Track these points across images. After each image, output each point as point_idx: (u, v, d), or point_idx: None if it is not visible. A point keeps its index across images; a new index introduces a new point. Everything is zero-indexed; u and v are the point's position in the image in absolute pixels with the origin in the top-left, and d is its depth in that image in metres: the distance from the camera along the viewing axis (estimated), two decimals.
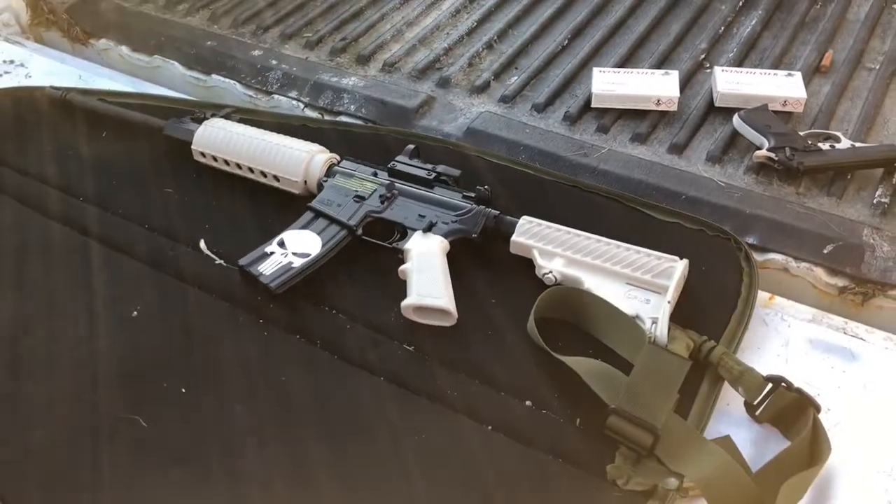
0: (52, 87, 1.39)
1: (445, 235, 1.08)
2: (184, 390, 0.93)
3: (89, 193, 1.22)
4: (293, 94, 1.47)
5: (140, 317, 1.03)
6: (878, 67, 1.44)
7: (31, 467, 0.87)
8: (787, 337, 1.02)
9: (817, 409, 0.88)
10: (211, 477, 0.85)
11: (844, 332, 1.02)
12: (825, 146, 1.22)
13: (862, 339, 1.01)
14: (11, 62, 1.58)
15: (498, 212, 1.10)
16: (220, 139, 1.23)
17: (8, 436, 0.90)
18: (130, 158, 1.29)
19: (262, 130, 1.23)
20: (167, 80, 1.58)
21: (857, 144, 1.23)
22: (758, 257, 1.13)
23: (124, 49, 1.63)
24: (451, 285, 1.03)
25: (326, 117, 1.41)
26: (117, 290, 1.07)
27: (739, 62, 1.47)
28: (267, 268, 1.05)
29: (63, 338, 1.00)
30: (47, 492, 0.85)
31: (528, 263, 1.06)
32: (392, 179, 1.16)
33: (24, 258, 1.12)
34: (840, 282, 1.09)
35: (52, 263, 1.11)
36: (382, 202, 1.13)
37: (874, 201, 1.17)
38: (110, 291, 1.06)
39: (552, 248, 1.05)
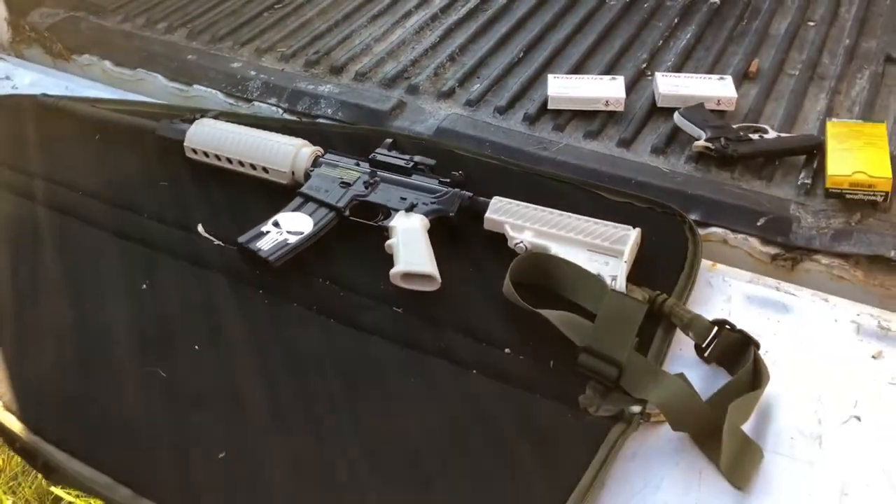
0: (44, 95, 1.48)
1: (426, 214, 1.20)
2: (196, 347, 1.03)
3: (90, 188, 1.31)
4: (272, 100, 1.58)
5: (148, 289, 1.12)
6: (797, 73, 1.62)
7: (73, 413, 0.95)
8: (730, 294, 1.16)
9: (757, 345, 1.01)
10: (227, 417, 0.94)
11: (777, 290, 1.16)
12: (755, 136, 1.39)
13: (793, 294, 1.16)
14: None
15: (472, 193, 1.23)
16: (211, 136, 1.33)
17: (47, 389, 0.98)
18: (125, 157, 1.39)
19: (250, 128, 1.34)
20: (151, 91, 1.67)
21: (783, 135, 1.40)
22: (700, 231, 1.27)
23: (107, 64, 1.72)
24: (433, 256, 1.15)
25: (304, 120, 1.53)
26: (127, 269, 1.16)
27: (677, 69, 1.64)
28: (265, 244, 1.15)
29: (81, 310, 1.09)
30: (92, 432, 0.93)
31: (501, 238, 1.19)
32: (374, 168, 1.28)
33: (33, 247, 1.20)
34: (772, 250, 1.24)
35: (59, 250, 1.19)
36: (366, 187, 1.25)
37: (798, 182, 1.33)
38: (122, 269, 1.15)
39: (521, 223, 1.18)
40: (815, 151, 1.37)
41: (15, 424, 0.90)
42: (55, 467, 0.87)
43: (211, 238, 1.21)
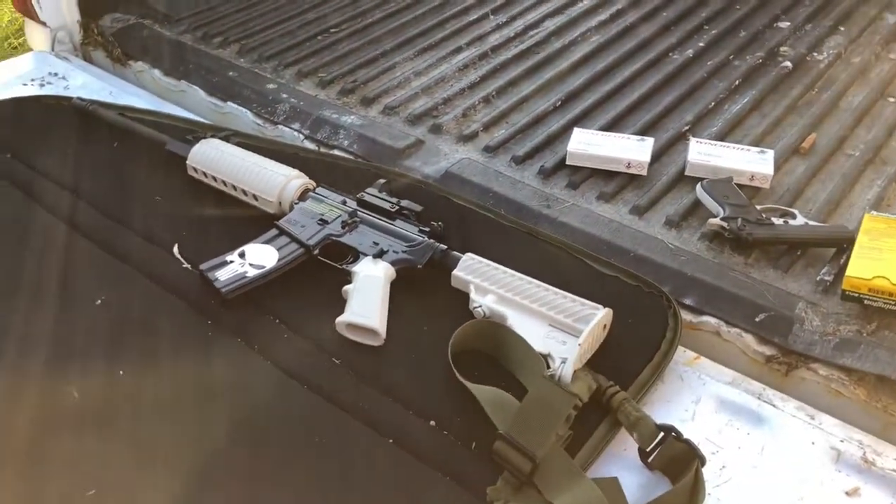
0: (78, 98, 1.53)
1: (393, 263, 1.16)
2: (121, 373, 1.02)
3: (87, 193, 1.34)
4: (296, 125, 1.58)
5: (102, 305, 1.13)
6: (856, 153, 1.47)
7: None
8: (700, 395, 1.05)
9: (702, 460, 0.91)
10: (119, 443, 0.93)
11: (759, 398, 1.05)
12: (779, 221, 1.26)
13: (774, 405, 1.03)
14: (55, 74, 1.74)
15: (445, 247, 1.17)
16: (210, 157, 1.34)
17: None
18: (133, 168, 1.41)
19: (249, 153, 1.34)
20: (190, 104, 1.71)
21: (811, 223, 1.27)
22: (692, 319, 1.17)
23: (156, 72, 1.77)
24: (386, 309, 1.10)
25: (322, 149, 1.51)
26: (89, 280, 1.17)
27: (721, 137, 1.52)
28: (223, 274, 1.14)
29: (29, 315, 1.10)
30: None
31: (466, 297, 1.13)
32: (357, 208, 1.25)
33: (16, 242, 1.23)
34: (768, 350, 1.12)
35: (37, 249, 1.22)
36: (343, 227, 1.22)
37: (818, 278, 1.20)
38: (82, 281, 1.17)
39: (487, 285, 1.11)
40: (845, 246, 1.23)
41: None
42: None
43: (181, 260, 1.21)
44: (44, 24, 1.84)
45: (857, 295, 1.12)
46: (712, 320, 1.16)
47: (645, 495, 0.93)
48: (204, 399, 1.00)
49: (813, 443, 0.98)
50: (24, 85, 1.70)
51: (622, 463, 0.97)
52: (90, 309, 1.12)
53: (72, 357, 1.04)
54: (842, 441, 0.98)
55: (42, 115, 1.53)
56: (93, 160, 1.43)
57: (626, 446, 0.98)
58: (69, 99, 1.54)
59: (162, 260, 1.21)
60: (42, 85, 1.71)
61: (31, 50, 1.92)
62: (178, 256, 1.22)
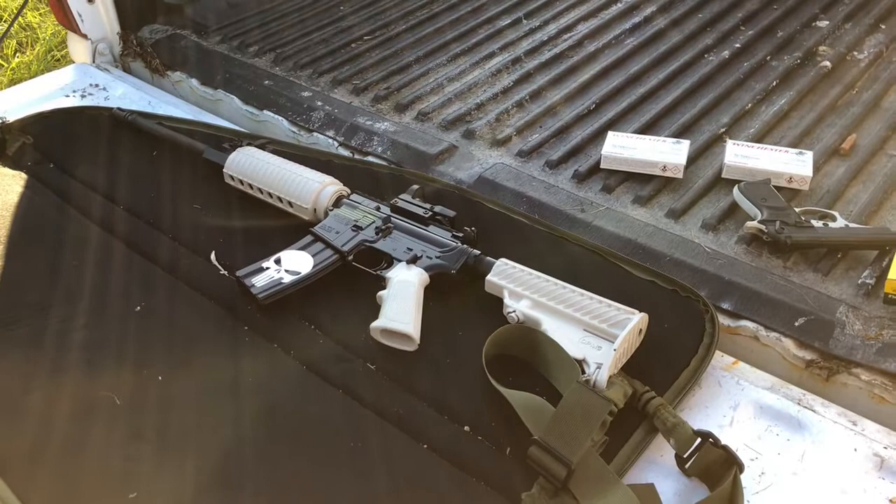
0: (118, 109, 1.56)
1: (426, 269, 1.16)
2: (160, 378, 1.03)
3: (126, 201, 1.37)
4: (331, 132, 1.59)
5: (142, 312, 1.15)
6: None
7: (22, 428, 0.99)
8: (738, 401, 1.03)
9: (740, 466, 0.90)
10: (164, 452, 0.94)
11: (798, 403, 1.03)
12: (818, 224, 1.24)
13: (814, 411, 1.02)
14: (96, 86, 1.78)
15: (479, 252, 1.17)
16: (246, 165, 1.35)
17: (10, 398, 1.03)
18: (172, 176, 1.43)
19: (285, 160, 1.35)
20: (227, 112, 1.74)
21: (852, 225, 1.24)
22: (731, 323, 1.15)
23: (194, 82, 1.80)
24: (420, 314, 1.10)
25: (356, 156, 1.52)
26: (129, 287, 1.19)
27: (759, 139, 1.50)
28: (259, 280, 1.15)
29: (72, 322, 1.13)
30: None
31: (500, 302, 1.12)
32: (391, 214, 1.25)
33: (58, 250, 1.26)
34: (808, 355, 1.10)
35: (80, 257, 1.25)
36: (377, 233, 1.23)
37: (859, 281, 1.17)
38: (123, 288, 1.19)
39: (521, 290, 1.11)
40: (887, 248, 1.20)
41: None
42: None
43: (219, 267, 1.23)
44: (85, 36, 1.88)
45: None
46: (751, 325, 1.14)
47: (682, 502, 0.92)
48: (241, 403, 1.01)
49: (855, 449, 0.96)
50: (66, 96, 1.74)
51: (658, 469, 0.96)
52: (130, 315, 1.14)
53: (112, 363, 1.06)
54: (885, 448, 0.96)
55: (83, 125, 1.56)
56: (132, 169, 1.45)
57: (662, 452, 0.97)
58: (110, 109, 1.57)
59: (200, 267, 1.23)
60: (83, 96, 1.74)
61: (72, 62, 1.96)
62: (216, 263, 1.23)
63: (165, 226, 1.32)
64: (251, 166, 1.35)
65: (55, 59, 3.55)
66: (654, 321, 1.07)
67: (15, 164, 1.46)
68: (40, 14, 3.64)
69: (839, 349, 1.08)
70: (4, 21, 3.54)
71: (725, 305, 1.16)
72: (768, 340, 1.13)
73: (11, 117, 1.53)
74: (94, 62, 1.91)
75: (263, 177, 1.33)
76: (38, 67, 3.37)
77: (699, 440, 0.92)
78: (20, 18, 3.44)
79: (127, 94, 1.74)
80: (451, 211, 1.24)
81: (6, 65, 3.31)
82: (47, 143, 1.51)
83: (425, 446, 0.96)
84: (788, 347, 1.11)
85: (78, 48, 1.92)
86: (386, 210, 1.27)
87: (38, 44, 3.52)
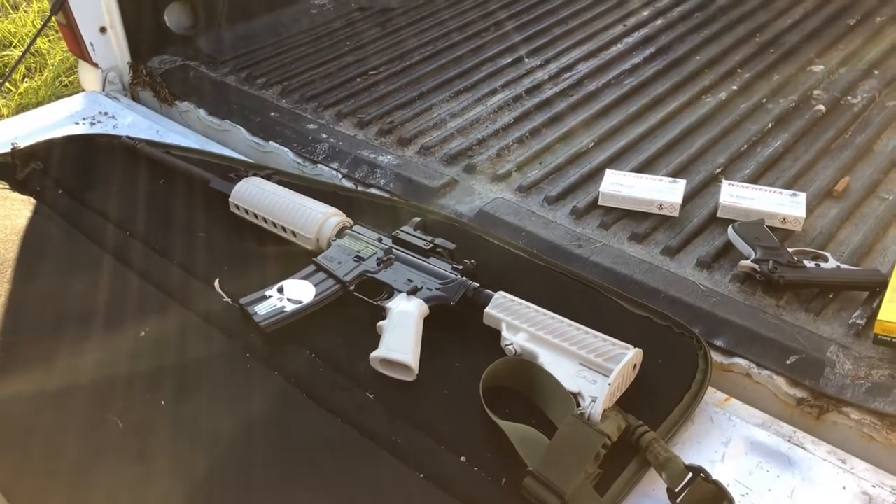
0: (127, 137, 1.59)
1: (426, 300, 1.18)
2: (162, 403, 1.05)
3: (136, 229, 1.40)
4: (335, 164, 1.62)
5: (146, 337, 1.17)
6: (890, 198, 1.47)
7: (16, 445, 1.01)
8: (730, 436, 1.05)
9: (731, 502, 0.91)
10: (166, 475, 0.96)
11: (789, 441, 1.05)
12: (811, 264, 1.27)
13: (804, 448, 1.03)
14: (105, 114, 1.82)
15: (478, 285, 1.20)
16: (252, 195, 1.38)
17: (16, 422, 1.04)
18: (178, 204, 1.46)
19: (289, 191, 1.38)
20: (233, 143, 1.77)
21: (844, 266, 1.27)
22: (723, 360, 1.17)
23: (202, 112, 1.84)
24: (419, 345, 1.12)
25: (359, 188, 1.55)
26: (135, 312, 1.21)
27: (754, 179, 1.53)
28: (262, 308, 1.17)
29: (77, 347, 1.15)
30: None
31: (498, 335, 1.14)
32: (392, 246, 1.28)
33: (65, 275, 1.28)
34: (799, 393, 1.12)
35: (87, 282, 1.27)
36: (378, 264, 1.25)
37: (850, 321, 1.20)
38: (128, 313, 1.21)
39: (519, 324, 1.13)
40: (878, 289, 1.23)
41: None
42: None
43: (222, 294, 1.25)
44: (96, 65, 1.92)
45: (889, 339, 1.12)
46: (743, 362, 1.16)
47: None
48: (241, 430, 1.03)
49: (844, 487, 0.98)
50: (76, 124, 1.77)
51: (650, 503, 0.97)
52: (135, 340, 1.16)
53: (116, 387, 1.08)
54: (873, 486, 0.98)
55: (93, 152, 1.59)
56: (140, 197, 1.48)
57: (654, 486, 0.98)
58: (118, 137, 1.60)
59: (204, 294, 1.25)
60: (92, 124, 1.78)
61: (80, 88, 2.00)
62: (220, 290, 1.26)
63: (171, 252, 1.34)
64: (256, 196, 1.38)
65: (63, 84, 3.60)
66: (649, 357, 1.09)
67: (24, 189, 1.49)
68: (49, 40, 3.69)
69: (829, 388, 1.10)
70: (14, 47, 3.59)
71: (719, 342, 1.18)
72: (760, 378, 1.15)
73: (22, 143, 1.56)
74: (103, 90, 1.95)
75: (268, 207, 1.36)
76: (46, 93, 3.42)
77: (690, 475, 0.94)
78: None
79: (135, 122, 1.78)
80: (452, 244, 1.27)
81: (14, 90, 3.36)
82: (57, 169, 1.54)
83: (421, 475, 0.98)
84: (780, 385, 1.13)
85: (88, 76, 1.96)
86: (387, 241, 1.29)
87: (47, 69, 3.57)
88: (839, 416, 1.09)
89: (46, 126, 1.75)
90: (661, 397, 1.07)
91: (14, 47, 3.59)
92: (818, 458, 1.02)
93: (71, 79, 3.54)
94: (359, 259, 1.26)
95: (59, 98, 3.51)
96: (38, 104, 3.48)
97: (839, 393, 1.09)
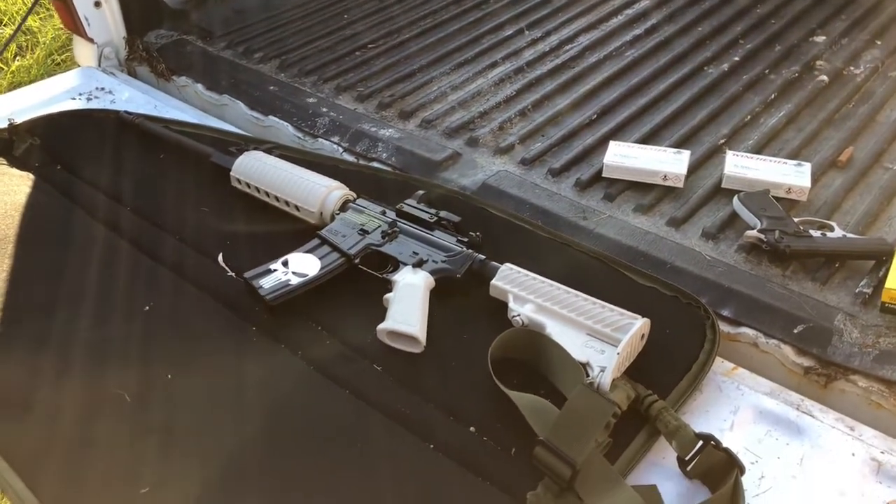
0: (125, 112, 1.57)
1: (432, 272, 1.18)
2: (169, 376, 1.05)
3: (135, 203, 1.38)
4: (335, 138, 1.61)
5: (151, 312, 1.16)
6: (894, 167, 1.47)
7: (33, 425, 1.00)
8: (738, 405, 1.05)
9: (741, 469, 0.91)
10: (174, 448, 0.95)
11: (797, 409, 1.05)
12: (817, 234, 1.26)
13: (813, 416, 1.03)
14: (102, 89, 1.80)
15: (484, 257, 1.19)
16: (253, 169, 1.37)
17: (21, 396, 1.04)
18: (178, 179, 1.45)
19: (292, 164, 1.37)
20: (232, 117, 1.75)
21: (850, 235, 1.27)
22: (730, 330, 1.17)
23: (200, 87, 1.82)
24: (426, 317, 1.12)
25: (360, 161, 1.54)
26: (138, 287, 1.20)
27: (758, 150, 1.52)
28: (267, 282, 1.17)
29: (81, 321, 1.14)
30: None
31: (505, 306, 1.14)
32: (397, 219, 1.27)
33: (66, 250, 1.27)
34: (806, 362, 1.12)
35: (87, 257, 1.26)
36: (383, 237, 1.24)
37: (857, 290, 1.19)
38: (131, 288, 1.20)
39: (526, 295, 1.12)
40: (884, 258, 1.23)
41: None
42: None
43: (226, 268, 1.24)
44: (91, 40, 1.90)
45: None
46: (750, 331, 1.16)
47: (683, 503, 0.93)
48: (249, 402, 1.03)
49: (853, 454, 0.98)
50: (73, 99, 1.75)
51: (660, 471, 0.97)
52: (139, 315, 1.15)
53: (122, 361, 1.08)
54: (882, 453, 0.98)
55: (91, 128, 1.57)
56: (139, 172, 1.47)
57: (664, 455, 0.98)
58: (117, 112, 1.59)
59: (207, 268, 1.25)
60: (89, 99, 1.76)
61: (74, 65, 1.97)
62: (223, 265, 1.25)
63: (172, 227, 1.33)
64: (259, 170, 1.37)
65: (55, 63, 3.56)
66: (656, 327, 1.09)
67: (22, 165, 1.48)
68: (40, 18, 3.65)
69: (837, 356, 1.10)
70: (4, 25, 3.55)
71: (725, 312, 1.18)
72: (767, 347, 1.15)
73: (18, 118, 1.54)
74: (99, 66, 1.92)
75: (271, 181, 1.35)
76: (38, 71, 3.38)
77: (701, 443, 0.94)
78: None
79: (133, 97, 1.76)
80: (457, 216, 1.26)
81: (6, 68, 3.32)
82: (54, 144, 1.52)
83: (431, 446, 0.97)
84: (787, 354, 1.13)
85: (84, 52, 1.94)
86: (391, 215, 1.28)
87: (38, 48, 3.53)
88: (847, 384, 1.09)
89: (42, 102, 1.73)
90: (668, 367, 1.07)
91: (5, 25, 3.55)
92: (827, 425, 1.02)
93: (63, 57, 3.51)
94: (363, 232, 1.25)
95: (51, 76, 3.49)
96: (31, 83, 3.46)
97: (847, 361, 1.09)
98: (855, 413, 1.06)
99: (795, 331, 1.14)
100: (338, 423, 1.01)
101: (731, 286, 1.21)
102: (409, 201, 1.30)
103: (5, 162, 1.47)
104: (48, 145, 1.52)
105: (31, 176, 1.44)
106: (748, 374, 1.10)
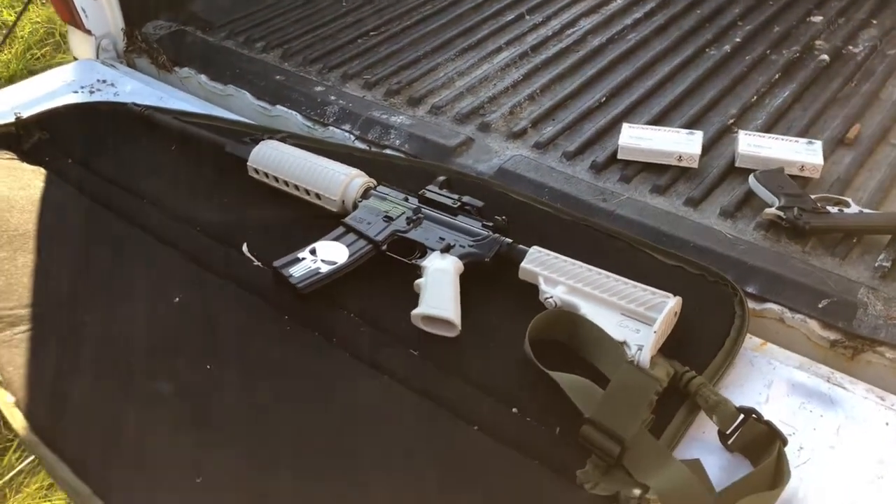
0: (133, 104, 1.56)
1: (461, 257, 1.18)
2: (209, 367, 1.04)
3: (154, 196, 1.37)
4: (346, 126, 1.60)
5: (181, 302, 1.16)
6: None
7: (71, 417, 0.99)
8: (771, 379, 1.07)
9: (783, 440, 0.93)
10: (223, 438, 0.95)
11: (828, 381, 1.07)
12: (834, 210, 1.28)
13: (844, 388, 1.06)
14: (104, 81, 1.77)
15: (511, 240, 1.19)
16: (271, 158, 1.36)
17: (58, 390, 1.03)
18: (194, 170, 1.44)
19: (309, 153, 1.36)
20: (238, 108, 1.74)
21: (866, 210, 1.29)
22: (756, 306, 1.19)
23: (203, 77, 1.80)
24: (459, 301, 1.12)
25: (373, 149, 1.54)
26: (164, 280, 1.20)
27: (767, 129, 1.54)
28: (297, 271, 1.16)
29: (113, 314, 1.13)
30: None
31: (535, 289, 1.15)
32: (420, 205, 1.27)
33: (87, 245, 1.26)
34: (832, 335, 1.14)
35: (110, 252, 1.25)
36: (408, 223, 1.24)
37: (876, 264, 1.22)
38: (157, 281, 1.19)
39: (556, 277, 1.13)
40: None
41: (19, 421, 0.95)
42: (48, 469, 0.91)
43: (252, 258, 1.24)
44: (89, 32, 1.87)
45: None
46: (776, 307, 1.18)
47: (726, 476, 0.95)
48: (289, 391, 1.03)
49: (887, 423, 1.00)
50: (75, 92, 1.73)
51: (702, 445, 0.99)
52: (170, 307, 1.14)
53: (160, 353, 1.07)
54: None
55: (99, 120, 1.56)
56: (153, 164, 1.46)
57: (704, 430, 1.00)
58: (124, 104, 1.57)
59: (232, 258, 1.24)
60: (92, 92, 1.73)
61: (53, 60, 1.94)
62: (249, 254, 1.24)
63: (192, 218, 1.32)
64: (277, 159, 1.36)
65: (34, 57, 3.50)
66: (685, 305, 1.10)
67: (32, 160, 1.45)
68: (16, 11, 3.58)
69: (863, 329, 1.12)
70: None
71: (750, 289, 1.20)
72: (793, 322, 1.17)
73: (24, 113, 1.52)
74: (97, 58, 1.90)
75: (290, 169, 1.34)
76: (17, 66, 3.33)
77: (742, 416, 0.96)
78: None
79: (136, 89, 1.74)
80: (480, 201, 1.26)
81: None
82: (64, 138, 1.50)
83: (476, 428, 0.98)
84: (813, 328, 1.15)
85: (81, 44, 1.91)
86: (414, 201, 1.29)
87: (17, 42, 3.46)
88: (874, 355, 1.11)
89: (43, 95, 1.70)
90: (701, 344, 1.08)
91: None
92: (858, 396, 1.04)
93: (42, 51, 3.45)
94: (388, 219, 1.25)
95: (30, 71, 3.42)
96: (10, 78, 3.39)
97: (873, 333, 1.12)
98: (883, 384, 1.08)
99: (820, 305, 1.16)
100: (381, 408, 1.01)
101: (753, 263, 1.22)
102: (430, 187, 1.30)
103: (15, 157, 1.45)
104: (57, 139, 1.50)
105: (43, 171, 1.42)
106: (777, 348, 1.12)
